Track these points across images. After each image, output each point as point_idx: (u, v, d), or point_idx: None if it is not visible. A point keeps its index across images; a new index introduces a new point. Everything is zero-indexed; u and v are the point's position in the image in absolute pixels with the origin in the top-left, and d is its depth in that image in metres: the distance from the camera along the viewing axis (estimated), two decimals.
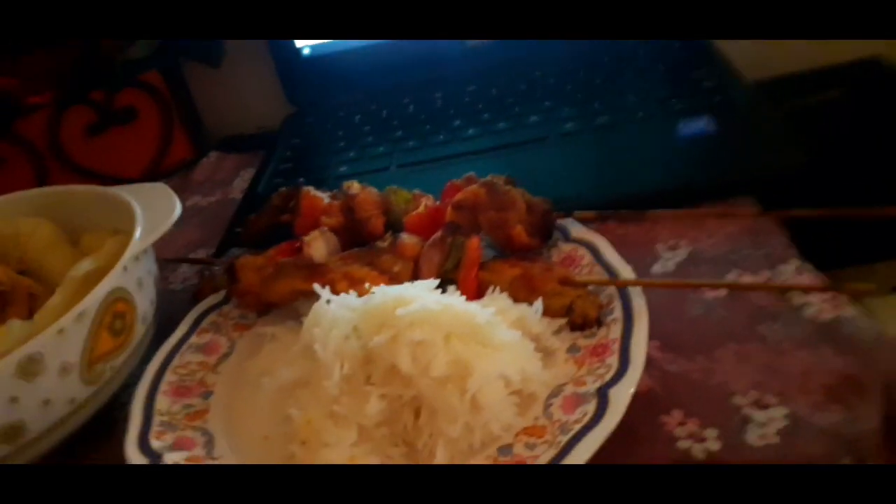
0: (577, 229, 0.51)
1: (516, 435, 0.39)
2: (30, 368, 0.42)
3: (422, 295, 0.41)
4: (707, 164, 0.58)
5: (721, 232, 0.52)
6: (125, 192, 0.57)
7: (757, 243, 0.50)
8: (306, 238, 0.51)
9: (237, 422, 0.45)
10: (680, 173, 0.57)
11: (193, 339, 0.51)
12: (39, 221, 0.59)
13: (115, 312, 0.47)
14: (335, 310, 0.43)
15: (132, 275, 0.49)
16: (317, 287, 0.45)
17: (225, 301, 0.54)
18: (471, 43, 0.83)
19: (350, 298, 0.44)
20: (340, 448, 0.39)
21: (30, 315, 0.51)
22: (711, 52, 0.74)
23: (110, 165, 0.80)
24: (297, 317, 0.50)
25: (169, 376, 0.48)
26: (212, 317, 0.53)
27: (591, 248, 0.49)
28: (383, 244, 0.49)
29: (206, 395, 0.48)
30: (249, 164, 0.81)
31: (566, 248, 0.50)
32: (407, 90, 0.83)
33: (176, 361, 0.50)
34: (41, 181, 0.78)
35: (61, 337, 0.43)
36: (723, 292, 0.47)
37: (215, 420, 0.45)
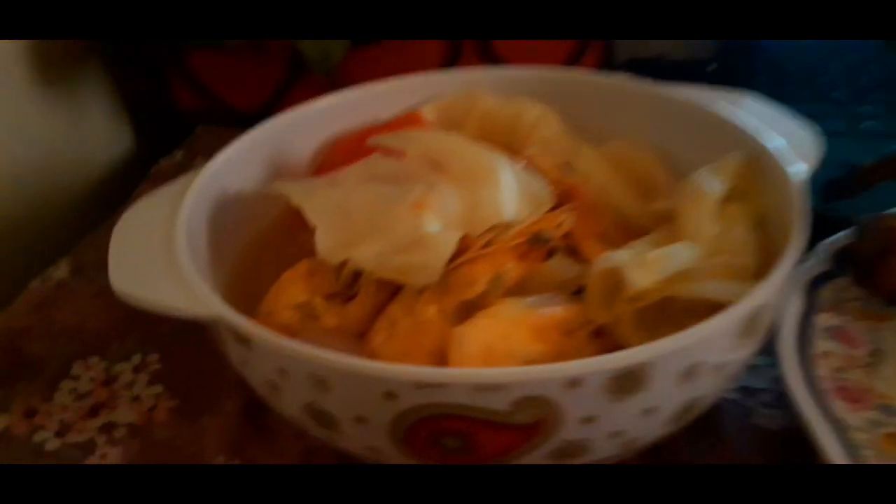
0: None
1: None
2: (751, 327, 0.28)
3: None
4: None
5: None
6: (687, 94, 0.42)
7: None
8: None
9: None
10: None
11: (817, 318, 0.37)
12: (546, 111, 0.45)
13: None
14: None
15: None
16: None
17: (834, 271, 0.39)
18: None
19: None
20: None
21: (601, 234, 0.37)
22: None
23: (522, 57, 0.66)
24: None
25: (821, 367, 0.34)
26: (825, 290, 0.38)
27: None
28: None
29: (886, 408, 0.33)
30: None
31: None
32: None
33: (812, 349, 0.35)
34: (450, 58, 0.64)
35: (779, 290, 0.29)
36: None
37: None
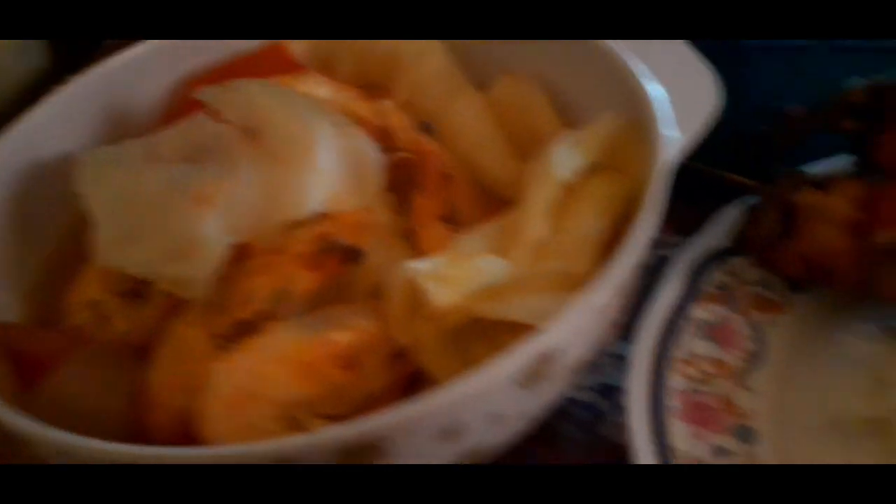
0: None
1: None
2: (539, 371, 0.23)
3: None
4: None
5: None
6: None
7: None
8: None
9: None
10: None
11: (695, 309, 0.31)
12: (430, 43, 0.38)
13: None
14: None
15: None
16: None
17: (735, 249, 0.33)
18: None
19: None
20: None
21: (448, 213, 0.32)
22: None
23: None
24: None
25: (674, 379, 0.29)
26: (716, 272, 0.33)
27: None
28: None
29: (742, 432, 0.28)
30: None
31: None
32: None
33: (678, 350, 0.30)
34: None
35: (597, 317, 0.24)
36: None
37: None
